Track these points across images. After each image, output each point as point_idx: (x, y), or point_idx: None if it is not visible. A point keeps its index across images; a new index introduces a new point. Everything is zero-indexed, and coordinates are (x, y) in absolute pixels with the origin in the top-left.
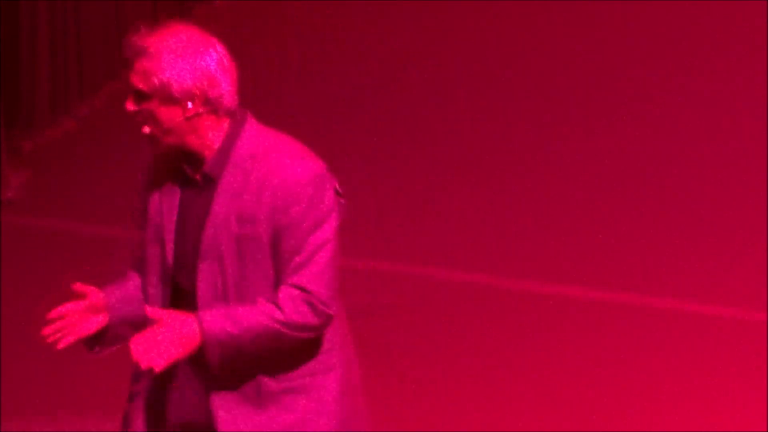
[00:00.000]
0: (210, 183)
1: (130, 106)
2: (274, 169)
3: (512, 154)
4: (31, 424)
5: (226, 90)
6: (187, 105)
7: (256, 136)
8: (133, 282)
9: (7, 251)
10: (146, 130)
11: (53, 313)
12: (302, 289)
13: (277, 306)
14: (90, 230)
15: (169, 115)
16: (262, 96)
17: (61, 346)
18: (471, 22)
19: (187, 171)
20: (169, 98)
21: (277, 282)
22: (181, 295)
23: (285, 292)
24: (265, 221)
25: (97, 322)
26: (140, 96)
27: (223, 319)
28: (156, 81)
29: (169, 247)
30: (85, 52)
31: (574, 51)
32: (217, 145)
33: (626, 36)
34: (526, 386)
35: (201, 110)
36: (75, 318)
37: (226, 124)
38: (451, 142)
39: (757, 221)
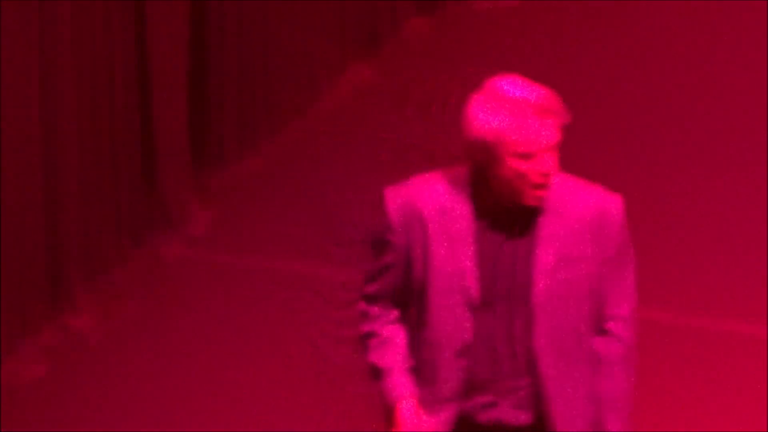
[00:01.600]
0: (522, 229)
1: (552, 168)
2: (589, 206)
3: None
4: None
5: None
6: None
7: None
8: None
9: (195, 287)
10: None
11: None
12: (625, 319)
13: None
14: (276, 266)
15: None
16: None
17: None
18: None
19: (500, 217)
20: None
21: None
22: (478, 340)
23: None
24: (592, 258)
25: None
26: (553, 149)
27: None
28: (565, 122)
29: (475, 291)
30: (273, 89)
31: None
32: None
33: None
34: None
35: None
36: None
37: None
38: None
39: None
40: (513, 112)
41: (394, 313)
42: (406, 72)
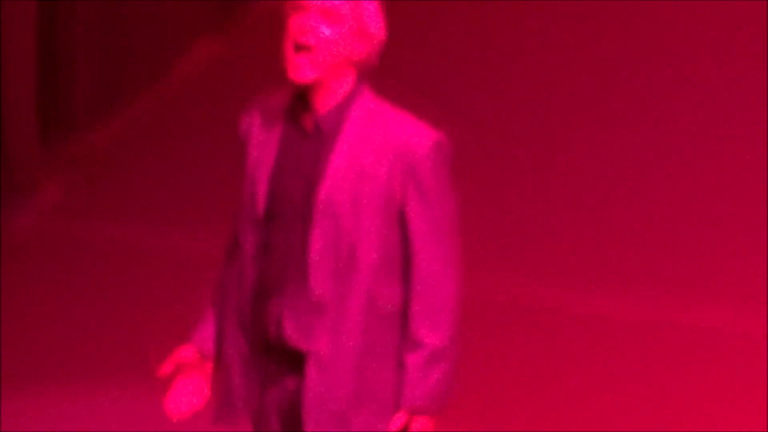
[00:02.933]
0: (320, 135)
1: (306, 22)
2: (396, 131)
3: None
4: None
5: (380, 48)
6: (363, 48)
7: (373, 100)
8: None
9: (46, 256)
10: (306, 57)
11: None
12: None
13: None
14: (128, 235)
15: (345, 49)
16: None
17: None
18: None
19: (302, 118)
20: (361, 33)
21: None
22: (274, 247)
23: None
24: (385, 180)
25: (202, 390)
26: (326, 15)
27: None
28: (361, 10)
29: (261, 197)
30: (124, 57)
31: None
32: (338, 99)
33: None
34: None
35: (362, 60)
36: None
37: (351, 80)
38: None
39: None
40: None
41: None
42: (257, 40)
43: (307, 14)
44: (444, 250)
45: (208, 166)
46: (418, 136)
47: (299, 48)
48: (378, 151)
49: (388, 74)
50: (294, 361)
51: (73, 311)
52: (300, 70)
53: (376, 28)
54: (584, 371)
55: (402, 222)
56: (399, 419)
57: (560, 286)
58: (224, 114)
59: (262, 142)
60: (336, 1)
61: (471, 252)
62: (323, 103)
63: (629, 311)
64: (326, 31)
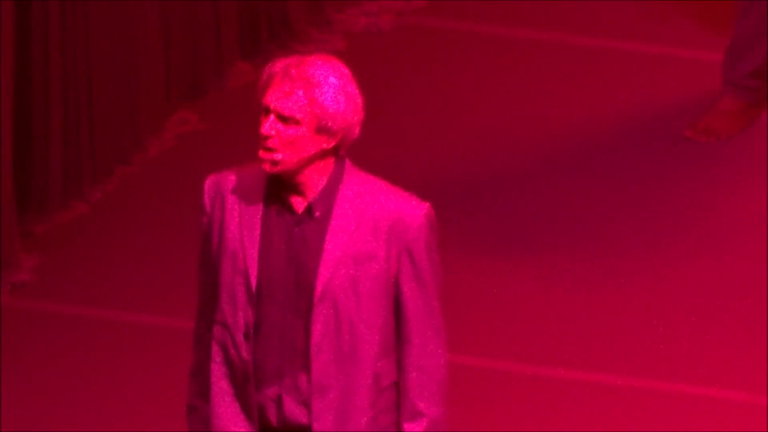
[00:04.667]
0: (311, 219)
1: (268, 130)
2: (387, 207)
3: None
4: None
5: (357, 130)
6: (332, 139)
7: (357, 176)
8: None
9: (21, 335)
10: (276, 155)
11: None
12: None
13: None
14: (100, 314)
15: (312, 145)
16: None
17: None
18: None
19: (288, 201)
20: (323, 130)
21: (389, 315)
22: (267, 328)
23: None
24: (384, 259)
25: None
26: (285, 121)
27: None
28: (318, 111)
29: (253, 278)
30: (97, 136)
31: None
32: (324, 182)
33: None
34: None
35: (336, 145)
36: None
37: (332, 162)
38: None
39: (758, 301)
40: (274, 66)
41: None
42: (230, 117)
43: (269, 116)
44: (436, 322)
45: (184, 242)
46: (409, 211)
47: (262, 146)
48: (372, 230)
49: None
50: None
51: (47, 388)
52: (265, 164)
53: (343, 117)
54: None
55: (396, 295)
56: None
57: (558, 360)
58: (200, 190)
59: (239, 219)
60: (291, 106)
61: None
62: (310, 187)
63: (628, 383)
64: (289, 132)
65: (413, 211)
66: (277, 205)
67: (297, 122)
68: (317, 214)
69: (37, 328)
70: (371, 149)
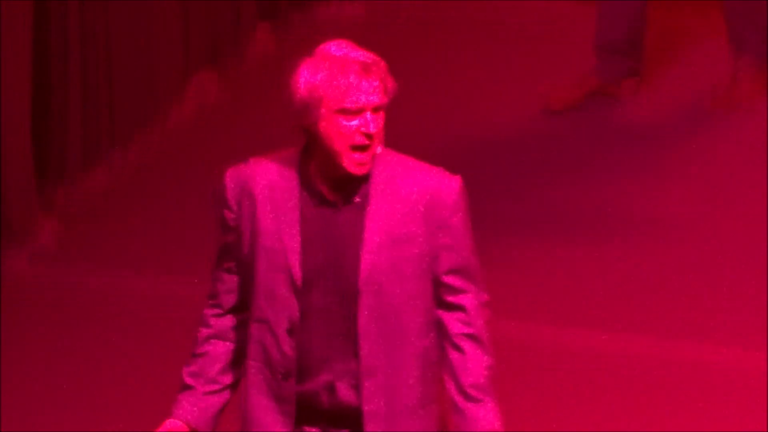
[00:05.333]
0: (350, 206)
1: (374, 128)
2: (421, 184)
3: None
4: None
5: None
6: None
7: (386, 155)
8: (218, 359)
9: (41, 302)
10: (375, 150)
11: None
12: (480, 301)
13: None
14: (121, 280)
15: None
16: None
17: None
18: None
19: (330, 192)
20: (391, 97)
21: (435, 296)
22: (311, 318)
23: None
24: (422, 239)
25: None
26: (376, 111)
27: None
28: (390, 85)
29: (296, 270)
30: (116, 102)
31: None
32: None
33: None
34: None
35: None
36: None
37: None
38: None
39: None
40: (334, 68)
41: (228, 318)
42: (250, 81)
43: (362, 115)
44: (476, 287)
45: (202, 211)
46: (443, 187)
47: (358, 147)
48: (409, 211)
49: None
50: (342, 421)
51: (68, 356)
52: (364, 166)
53: (394, 87)
54: (582, 409)
55: (434, 269)
56: None
57: (557, 320)
58: (218, 158)
59: (274, 214)
60: (381, 94)
61: None
62: (348, 178)
63: (628, 344)
64: (380, 122)
65: (447, 187)
66: (314, 195)
67: (384, 105)
68: (356, 200)
69: (57, 294)
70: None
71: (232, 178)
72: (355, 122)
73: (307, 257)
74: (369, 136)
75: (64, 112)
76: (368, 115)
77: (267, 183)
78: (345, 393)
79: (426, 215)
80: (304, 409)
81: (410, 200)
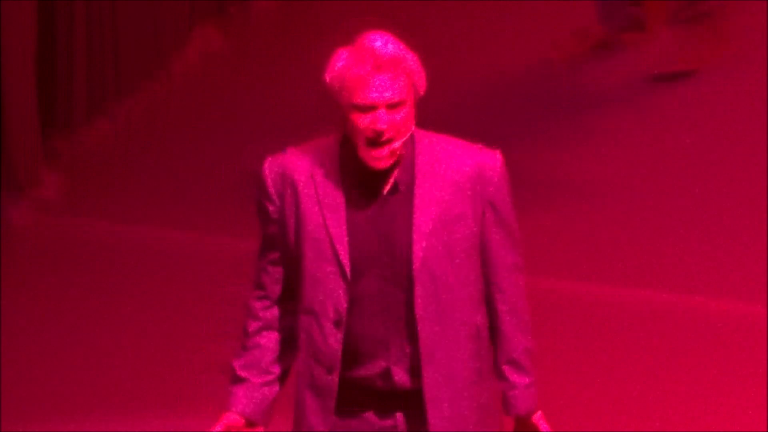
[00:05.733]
0: (396, 194)
1: (385, 124)
2: (464, 163)
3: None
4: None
5: None
6: (418, 101)
7: (427, 138)
8: (267, 350)
9: (47, 252)
10: (394, 145)
11: None
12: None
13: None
14: (124, 230)
15: (413, 116)
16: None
17: None
18: None
19: (375, 179)
20: (417, 96)
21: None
22: (362, 307)
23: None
24: (471, 218)
25: None
26: (393, 107)
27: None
28: (415, 79)
29: (345, 260)
30: (121, 52)
31: None
32: (403, 152)
33: None
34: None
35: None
36: None
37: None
38: None
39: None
40: (350, 61)
41: (277, 309)
42: (253, 34)
43: (376, 111)
44: (520, 264)
45: (206, 162)
46: (487, 164)
47: (371, 143)
48: (456, 191)
49: None
50: (396, 403)
51: (70, 306)
52: (382, 160)
53: (423, 73)
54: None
55: (482, 245)
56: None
57: (560, 273)
58: (222, 109)
59: (319, 204)
60: (398, 91)
61: None
62: (394, 165)
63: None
64: (397, 117)
65: (490, 163)
66: (358, 183)
67: (404, 101)
68: (402, 186)
69: (60, 245)
70: None
71: (271, 168)
72: (368, 118)
73: (355, 245)
74: (379, 134)
75: (69, 62)
76: (380, 111)
77: (308, 172)
78: (401, 377)
79: (473, 194)
80: (356, 395)
81: (456, 181)
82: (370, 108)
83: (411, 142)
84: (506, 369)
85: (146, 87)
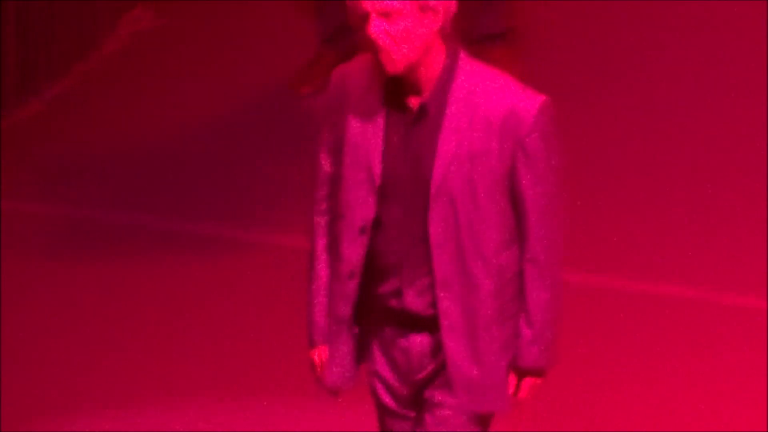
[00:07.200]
0: (426, 117)
1: (376, 31)
2: (501, 100)
3: None
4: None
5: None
6: (436, 16)
7: (471, 67)
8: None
9: None
10: (393, 54)
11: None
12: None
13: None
14: (57, 212)
15: (421, 29)
16: None
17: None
18: None
19: (405, 102)
20: (425, 8)
21: (515, 216)
22: (387, 226)
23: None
24: (497, 155)
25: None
26: (388, 16)
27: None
28: None
29: (377, 177)
30: (54, 33)
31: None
32: (435, 75)
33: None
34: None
35: (442, 25)
36: None
37: (443, 51)
38: None
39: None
40: None
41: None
42: (185, 13)
43: (372, 20)
44: (553, 211)
45: (140, 142)
46: (522, 105)
47: (378, 50)
48: (485, 126)
49: None
50: (413, 325)
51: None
52: (389, 65)
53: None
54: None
55: (512, 188)
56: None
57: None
58: (155, 88)
59: (362, 116)
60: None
61: None
62: (425, 84)
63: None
64: (396, 27)
65: (527, 105)
66: (394, 103)
67: (400, 12)
68: (431, 112)
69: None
70: None
71: (337, 74)
72: (366, 26)
73: (387, 161)
74: (372, 41)
75: (0, 42)
76: (373, 19)
77: (360, 81)
78: (411, 300)
79: (502, 133)
80: (378, 309)
81: (487, 117)
82: (365, 17)
83: (452, 66)
84: (520, 317)
85: (78, 67)
